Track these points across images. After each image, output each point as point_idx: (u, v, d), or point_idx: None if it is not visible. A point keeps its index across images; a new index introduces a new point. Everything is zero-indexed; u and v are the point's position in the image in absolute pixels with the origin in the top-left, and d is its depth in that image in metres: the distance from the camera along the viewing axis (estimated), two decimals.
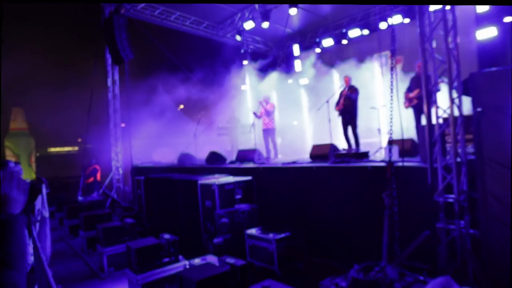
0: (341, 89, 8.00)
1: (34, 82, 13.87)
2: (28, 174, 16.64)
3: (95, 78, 11.58)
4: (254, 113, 9.23)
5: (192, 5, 10.85)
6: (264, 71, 13.51)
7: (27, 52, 13.33)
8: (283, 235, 5.05)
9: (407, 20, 9.83)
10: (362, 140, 7.82)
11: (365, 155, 6.49)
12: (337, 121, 8.22)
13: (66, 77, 14.45)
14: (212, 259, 4.38)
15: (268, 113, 9.06)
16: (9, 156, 18.08)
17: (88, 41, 12.60)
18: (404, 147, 5.77)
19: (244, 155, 8.23)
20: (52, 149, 20.09)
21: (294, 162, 6.97)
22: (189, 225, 6.77)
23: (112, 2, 9.76)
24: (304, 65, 13.21)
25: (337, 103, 7.85)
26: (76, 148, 19.75)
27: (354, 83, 7.88)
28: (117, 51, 9.05)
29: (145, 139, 11.57)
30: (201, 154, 10.10)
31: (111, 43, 9.14)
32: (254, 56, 13.75)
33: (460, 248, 3.86)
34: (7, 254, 1.14)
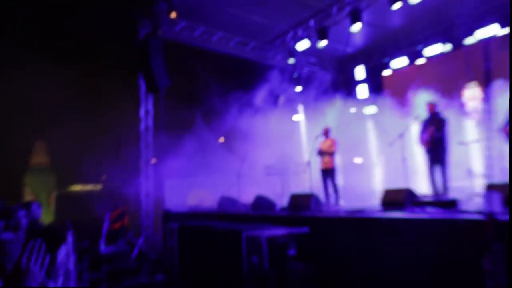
0: (423, 117, 7.84)
1: (57, 113, 14.90)
2: (47, 215, 17.59)
3: (125, 108, 12.29)
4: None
5: (237, 24, 11.35)
6: (320, 99, 13.60)
7: (51, 79, 14.08)
8: None
9: (505, 30, 9.33)
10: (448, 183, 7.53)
11: (453, 203, 6.20)
12: (415, 159, 7.99)
13: (93, 106, 15.37)
14: None
15: (330, 152, 9.03)
16: (28, 195, 19.28)
17: (119, 67, 13.40)
18: (508, 194, 5.44)
19: (298, 200, 8.15)
20: (73, 188, 21.24)
21: (361, 211, 6.80)
22: (231, 286, 6.73)
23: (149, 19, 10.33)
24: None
25: (421, 139, 7.67)
26: (99, 187, 20.70)
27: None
28: (152, 77, 9.58)
29: (179, 178, 11.87)
30: (245, 197, 10.16)
31: (145, 69, 9.72)
32: (308, 82, 13.97)
33: None
34: None
